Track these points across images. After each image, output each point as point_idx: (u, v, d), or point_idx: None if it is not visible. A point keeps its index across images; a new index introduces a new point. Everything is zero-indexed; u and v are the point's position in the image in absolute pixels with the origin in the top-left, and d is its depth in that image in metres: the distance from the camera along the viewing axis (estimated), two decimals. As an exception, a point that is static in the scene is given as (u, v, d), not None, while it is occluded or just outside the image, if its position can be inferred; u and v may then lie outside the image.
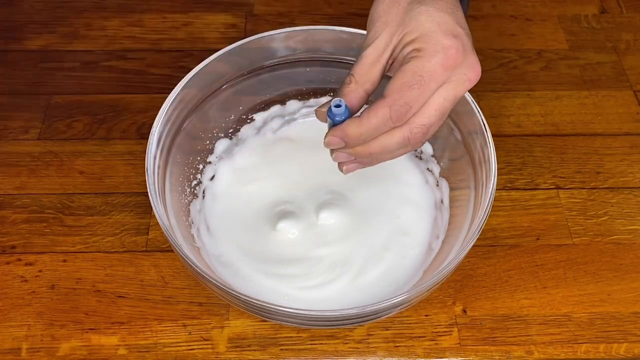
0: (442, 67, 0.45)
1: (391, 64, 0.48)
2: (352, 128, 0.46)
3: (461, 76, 0.46)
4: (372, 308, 0.47)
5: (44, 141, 0.67)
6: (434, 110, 0.46)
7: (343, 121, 0.47)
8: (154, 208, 0.50)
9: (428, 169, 0.62)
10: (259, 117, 0.64)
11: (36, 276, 0.58)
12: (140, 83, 0.72)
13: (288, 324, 0.53)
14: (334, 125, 0.47)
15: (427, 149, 0.62)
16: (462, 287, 0.58)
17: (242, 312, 0.56)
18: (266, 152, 0.63)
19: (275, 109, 0.64)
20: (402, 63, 0.46)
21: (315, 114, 0.49)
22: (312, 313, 0.48)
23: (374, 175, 0.61)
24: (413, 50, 0.45)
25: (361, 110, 0.47)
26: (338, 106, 0.47)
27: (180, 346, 0.54)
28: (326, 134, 0.48)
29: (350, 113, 0.47)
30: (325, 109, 0.48)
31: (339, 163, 0.50)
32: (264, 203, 0.60)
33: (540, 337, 0.55)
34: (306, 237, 0.58)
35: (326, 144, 0.48)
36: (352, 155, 0.48)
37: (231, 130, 0.63)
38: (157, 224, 0.56)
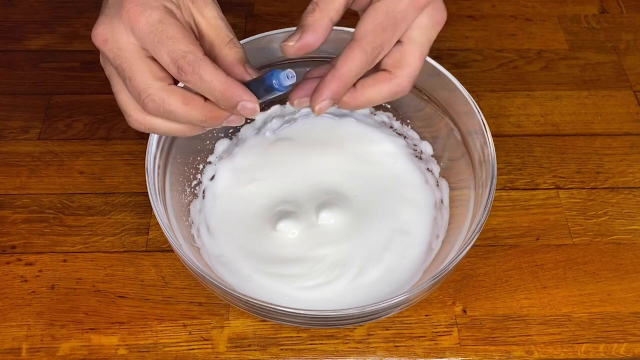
0: (414, 7, 0.44)
1: None
2: (335, 85, 0.43)
3: (431, 19, 0.45)
4: (372, 308, 0.47)
5: (44, 141, 0.67)
6: (418, 59, 0.45)
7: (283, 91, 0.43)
8: (154, 208, 0.50)
9: (428, 169, 0.62)
10: (258, 117, 0.64)
11: (36, 276, 0.58)
12: (140, 83, 0.72)
13: (288, 324, 0.53)
14: (271, 91, 0.43)
15: (427, 149, 0.62)
16: (462, 287, 0.58)
17: (242, 312, 0.56)
18: (266, 152, 0.63)
19: (275, 109, 0.64)
20: None
21: (283, 49, 0.44)
22: (312, 313, 0.48)
23: (373, 175, 0.62)
24: None
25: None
26: (287, 77, 0.42)
27: (180, 346, 0.54)
28: (293, 96, 0.45)
29: (315, 45, 0.43)
30: (293, 43, 0.43)
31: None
32: (264, 203, 0.60)
33: (540, 337, 0.55)
34: (306, 237, 0.58)
35: (317, 112, 0.44)
36: (337, 105, 0.46)
37: (231, 130, 0.63)
38: (157, 224, 0.56)
